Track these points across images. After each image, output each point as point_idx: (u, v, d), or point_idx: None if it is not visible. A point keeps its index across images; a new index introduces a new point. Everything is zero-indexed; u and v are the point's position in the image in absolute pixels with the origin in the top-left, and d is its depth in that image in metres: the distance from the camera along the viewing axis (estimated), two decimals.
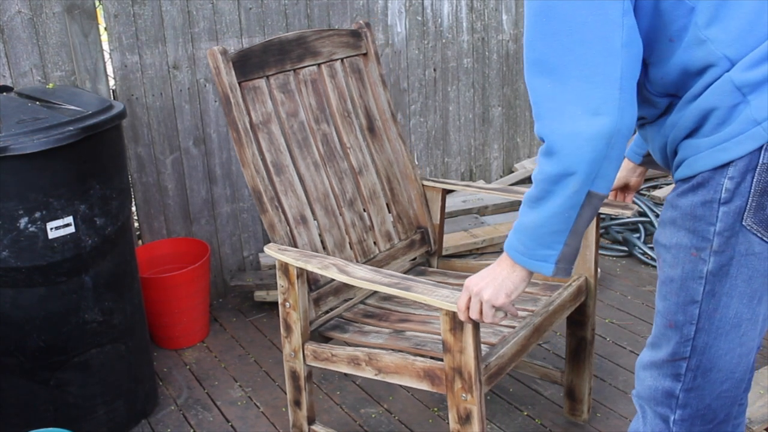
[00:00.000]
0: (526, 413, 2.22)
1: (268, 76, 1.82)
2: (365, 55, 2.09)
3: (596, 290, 1.97)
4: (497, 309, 1.31)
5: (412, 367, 1.55)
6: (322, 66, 1.97)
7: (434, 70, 3.47)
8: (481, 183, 2.24)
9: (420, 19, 3.34)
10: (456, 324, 1.41)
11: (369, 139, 2.06)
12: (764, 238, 1.12)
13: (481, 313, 1.33)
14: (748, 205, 1.11)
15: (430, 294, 1.42)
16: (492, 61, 3.69)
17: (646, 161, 1.63)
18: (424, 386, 1.54)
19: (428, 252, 2.18)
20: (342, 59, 2.02)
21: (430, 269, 2.18)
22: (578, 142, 1.09)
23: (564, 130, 1.10)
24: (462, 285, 1.99)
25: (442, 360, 1.50)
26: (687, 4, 1.10)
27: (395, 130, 2.11)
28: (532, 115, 1.17)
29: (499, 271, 1.29)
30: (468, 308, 1.35)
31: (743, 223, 1.12)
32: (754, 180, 1.09)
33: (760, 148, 1.08)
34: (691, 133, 1.16)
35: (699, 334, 1.20)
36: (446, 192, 2.18)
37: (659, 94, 1.20)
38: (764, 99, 1.07)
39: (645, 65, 1.19)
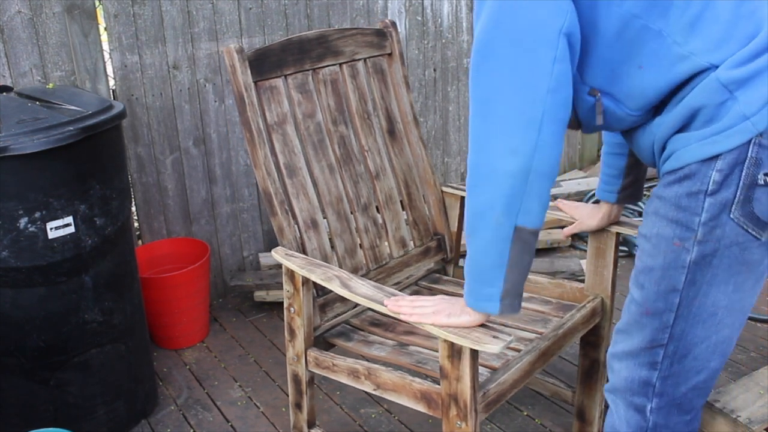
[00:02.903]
0: (526, 413, 2.22)
1: (285, 76, 1.78)
2: (390, 55, 2.03)
3: (612, 311, 1.86)
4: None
5: (410, 387, 1.53)
6: (344, 66, 1.91)
7: (434, 70, 3.47)
8: None
9: (420, 19, 3.34)
10: (454, 352, 1.37)
11: (388, 142, 2.02)
12: (749, 230, 1.15)
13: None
14: (736, 198, 1.13)
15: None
16: None
17: (623, 196, 1.66)
18: (420, 408, 1.52)
19: (444, 259, 2.14)
20: (365, 59, 1.97)
21: (445, 277, 2.14)
22: (495, 178, 1.15)
23: (485, 165, 1.17)
24: None
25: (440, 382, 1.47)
26: (653, 29, 1.14)
27: (416, 133, 2.06)
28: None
29: (463, 308, 1.33)
30: (405, 307, 1.39)
31: (731, 215, 1.14)
32: (743, 173, 1.12)
33: (749, 141, 1.11)
34: (680, 130, 1.19)
35: (677, 321, 1.23)
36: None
37: (643, 112, 1.23)
38: (752, 95, 1.10)
39: (616, 100, 1.22)
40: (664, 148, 1.23)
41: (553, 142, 1.14)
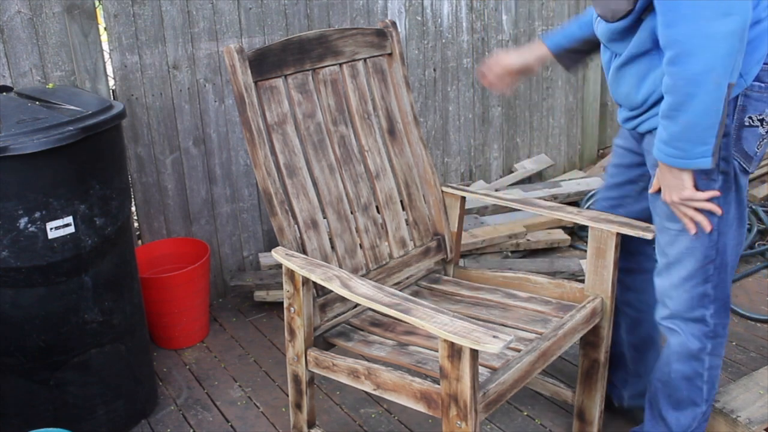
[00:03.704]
0: (526, 413, 2.22)
1: (285, 76, 1.78)
2: (390, 55, 2.03)
3: (612, 311, 1.87)
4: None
5: (410, 387, 1.53)
6: (344, 66, 1.91)
7: (434, 70, 3.47)
8: (502, 193, 2.17)
9: (420, 19, 3.34)
10: (454, 352, 1.37)
11: (389, 142, 2.02)
12: (742, 162, 1.52)
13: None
14: (732, 136, 1.49)
15: (429, 320, 1.37)
16: None
17: (562, 55, 1.87)
18: (420, 408, 1.52)
19: (444, 260, 2.13)
20: (365, 59, 1.97)
21: (445, 277, 2.14)
22: (713, 42, 1.30)
23: (698, 33, 1.30)
24: (475, 297, 2.01)
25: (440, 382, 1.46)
26: None
27: (416, 133, 2.06)
28: (660, 24, 1.36)
29: (669, 178, 1.50)
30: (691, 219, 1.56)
31: (732, 150, 1.50)
32: (735, 117, 1.47)
33: (740, 93, 1.45)
34: None
35: (720, 237, 1.57)
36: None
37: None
38: (746, 59, 1.41)
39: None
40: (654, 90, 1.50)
41: (750, 2, 1.31)
